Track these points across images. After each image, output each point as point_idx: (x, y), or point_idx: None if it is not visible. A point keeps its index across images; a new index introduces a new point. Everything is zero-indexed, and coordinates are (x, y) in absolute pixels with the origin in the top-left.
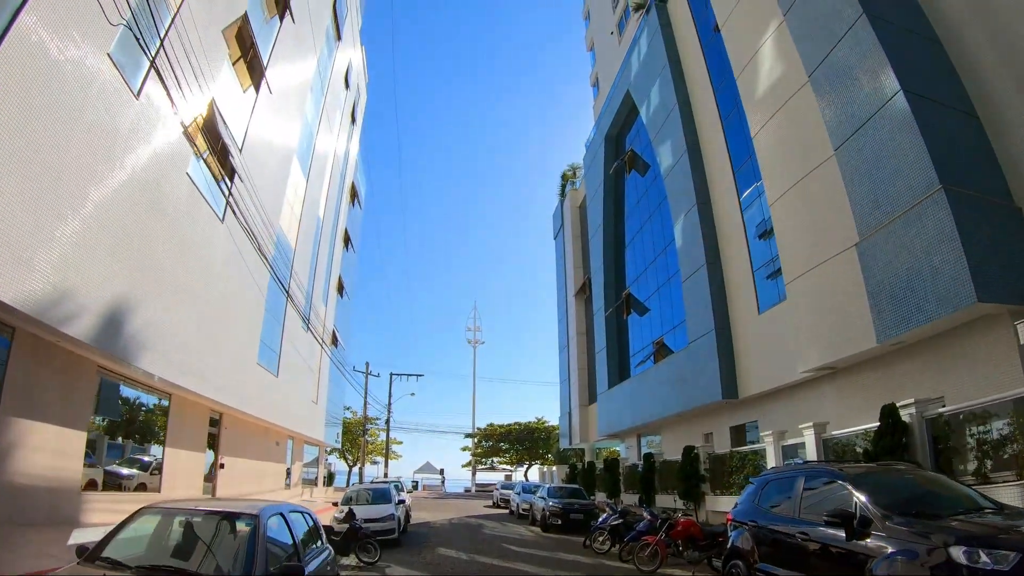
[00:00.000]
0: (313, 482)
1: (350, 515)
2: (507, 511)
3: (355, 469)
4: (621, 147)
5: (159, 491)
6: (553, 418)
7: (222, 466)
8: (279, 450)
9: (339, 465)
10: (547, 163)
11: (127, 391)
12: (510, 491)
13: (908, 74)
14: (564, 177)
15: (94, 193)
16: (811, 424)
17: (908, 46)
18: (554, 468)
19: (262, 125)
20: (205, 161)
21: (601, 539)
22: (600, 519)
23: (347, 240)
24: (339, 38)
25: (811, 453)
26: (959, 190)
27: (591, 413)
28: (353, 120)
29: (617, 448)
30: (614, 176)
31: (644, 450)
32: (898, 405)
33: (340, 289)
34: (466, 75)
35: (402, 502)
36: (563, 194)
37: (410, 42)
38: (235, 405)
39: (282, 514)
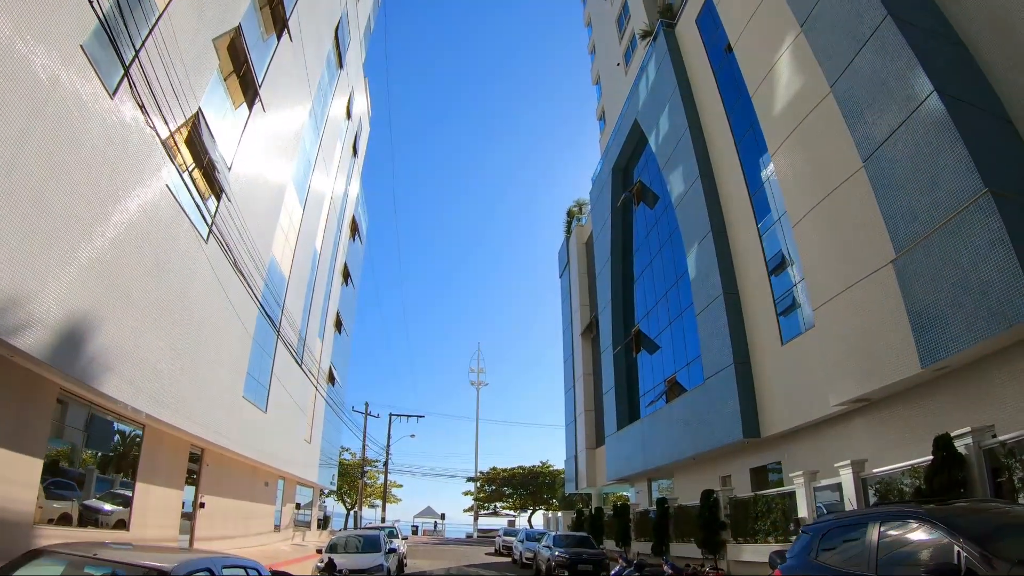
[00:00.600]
0: (307, 525)
1: (330, 566)
2: (509, 559)
3: (353, 512)
4: (629, 179)
5: (127, 528)
6: (558, 462)
7: (202, 505)
8: (268, 491)
9: (338, 508)
10: (553, 200)
11: (98, 419)
12: (512, 538)
13: (939, 76)
14: (570, 213)
15: (54, 188)
16: (848, 462)
17: (935, 48)
18: (559, 514)
19: (255, 145)
20: (190, 176)
21: None
22: (613, 573)
23: (346, 275)
24: (341, 66)
25: (849, 495)
26: (1006, 195)
27: (598, 456)
28: (355, 152)
29: (626, 493)
30: (622, 209)
31: (655, 495)
32: (952, 435)
33: (338, 325)
34: (466, 112)
35: (393, 550)
36: (569, 231)
37: (408, 77)
38: (218, 441)
39: (211, 571)
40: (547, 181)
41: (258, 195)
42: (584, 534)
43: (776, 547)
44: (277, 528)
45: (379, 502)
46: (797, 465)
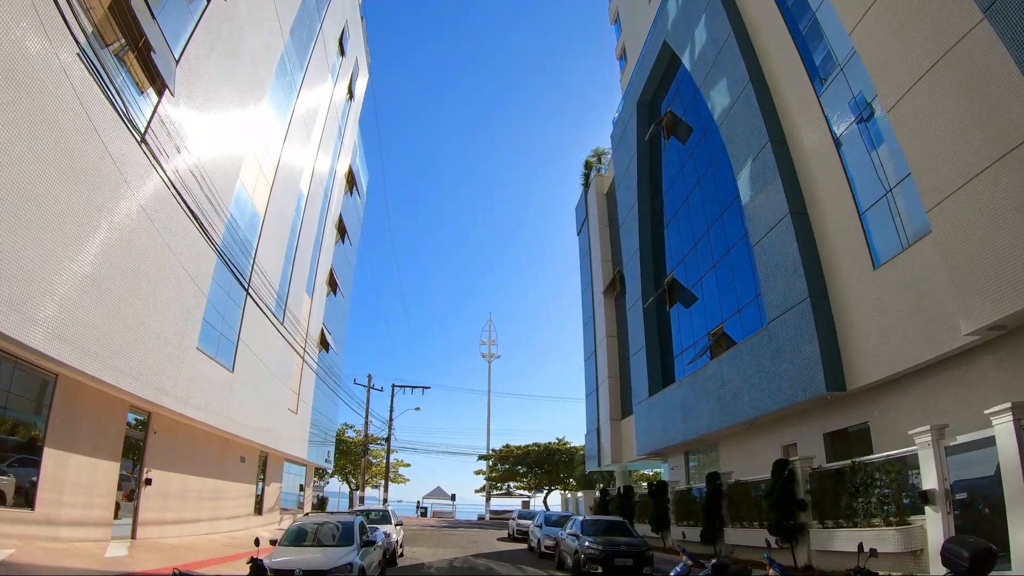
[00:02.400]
0: (299, 508)
1: (257, 569)
2: (525, 546)
3: (350, 493)
4: (656, 113)
5: (32, 508)
6: (576, 439)
7: (148, 482)
8: (245, 468)
9: (344, 489)
10: (568, 161)
11: None
12: (528, 522)
13: None
14: (587, 165)
15: None
16: (1007, 406)
17: None
18: (579, 494)
19: (213, 43)
20: (118, 59)
21: None
22: (676, 572)
23: (343, 231)
24: None
25: (1009, 455)
26: None
27: (625, 429)
28: (351, 96)
29: (653, 471)
30: (649, 146)
31: (692, 470)
32: None
33: (333, 285)
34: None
35: (373, 543)
36: (587, 184)
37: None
38: (162, 401)
39: None
40: (561, 139)
41: (220, 102)
42: (618, 519)
43: (889, 531)
44: (259, 511)
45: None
46: (892, 426)
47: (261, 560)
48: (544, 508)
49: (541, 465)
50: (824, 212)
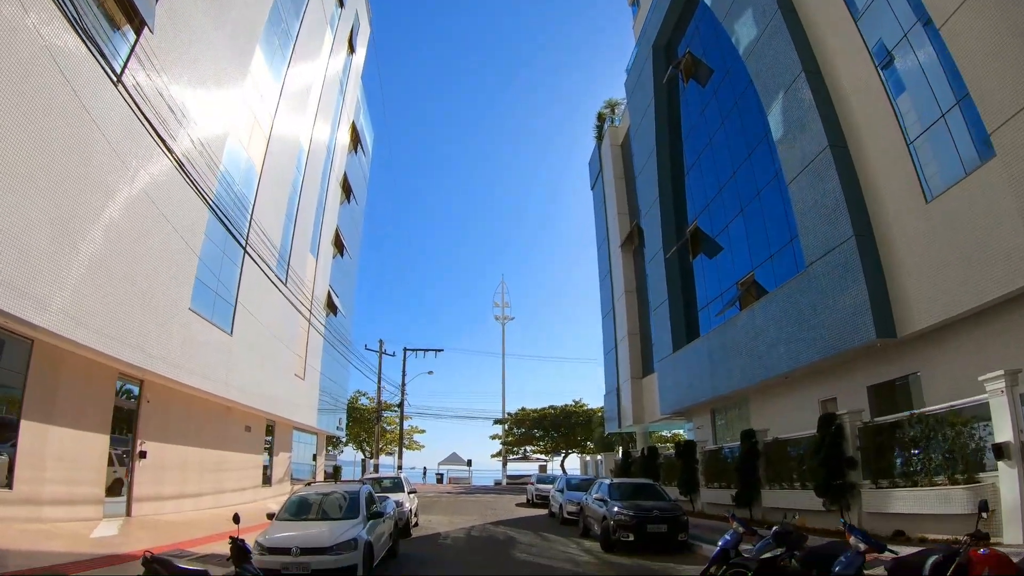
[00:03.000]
0: (312, 478)
1: (238, 552)
2: (545, 512)
3: (363, 461)
4: (673, 57)
5: (10, 487)
6: (593, 400)
7: (143, 455)
8: (251, 438)
9: (359, 458)
10: (579, 114)
11: None
12: (548, 487)
13: None
14: (600, 117)
15: None
16: None
17: None
18: (599, 457)
19: None
20: None
21: None
22: (725, 541)
23: (348, 190)
24: None
25: None
26: None
27: (646, 388)
28: (352, 48)
29: (678, 431)
30: (667, 91)
31: (719, 429)
32: None
33: (339, 246)
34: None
35: (381, 515)
36: (600, 136)
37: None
38: (154, 367)
39: None
40: (574, 91)
41: (208, 46)
42: (647, 481)
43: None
44: (268, 482)
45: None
46: (947, 376)
47: (242, 540)
48: (562, 472)
49: (558, 428)
50: (866, 145)
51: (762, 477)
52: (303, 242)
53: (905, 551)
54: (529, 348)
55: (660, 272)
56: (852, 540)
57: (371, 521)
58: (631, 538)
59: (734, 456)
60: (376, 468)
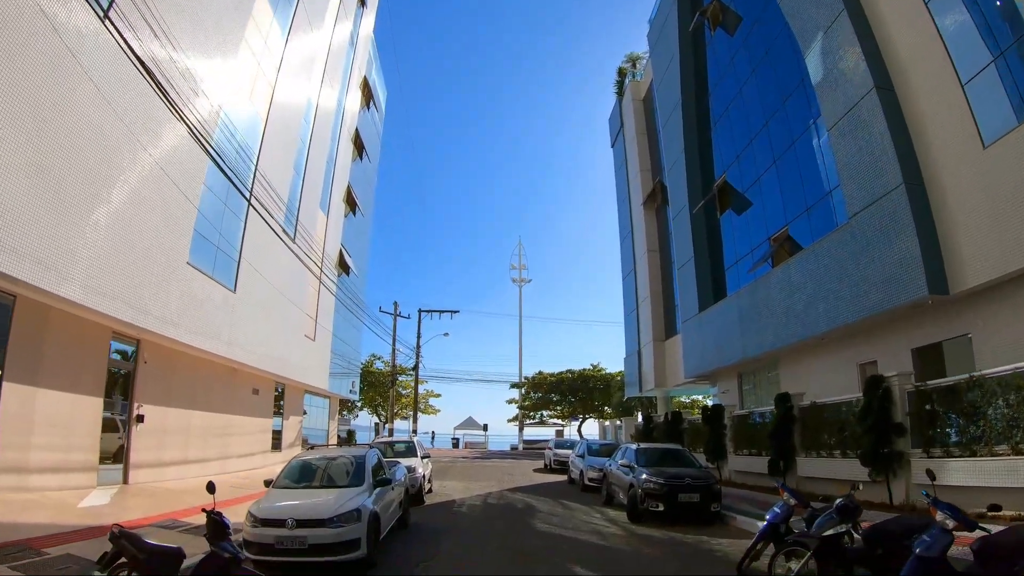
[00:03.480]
0: (327, 444)
1: (214, 527)
2: (564, 478)
3: (376, 424)
4: (698, 5)
5: None
6: (611, 364)
7: (140, 418)
8: (259, 401)
9: (375, 422)
10: (599, 72)
11: None
12: (567, 452)
13: None
14: (620, 72)
15: None
16: None
17: None
18: (618, 422)
19: None
20: None
21: (793, 565)
22: (773, 514)
23: (360, 147)
24: None
25: None
26: None
27: (669, 350)
28: (363, 2)
29: (696, 396)
30: (692, 41)
31: (746, 394)
32: None
33: (351, 204)
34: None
35: (387, 482)
36: (620, 91)
37: None
38: (152, 326)
39: None
40: (594, 47)
41: None
42: (675, 446)
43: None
44: (278, 447)
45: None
46: (1003, 337)
47: (217, 513)
48: (579, 437)
49: (575, 393)
50: (914, 87)
51: (797, 444)
52: (312, 197)
53: (995, 529)
54: (547, 311)
55: (685, 229)
56: (939, 516)
57: (378, 489)
58: (660, 508)
59: (765, 421)
60: (391, 432)
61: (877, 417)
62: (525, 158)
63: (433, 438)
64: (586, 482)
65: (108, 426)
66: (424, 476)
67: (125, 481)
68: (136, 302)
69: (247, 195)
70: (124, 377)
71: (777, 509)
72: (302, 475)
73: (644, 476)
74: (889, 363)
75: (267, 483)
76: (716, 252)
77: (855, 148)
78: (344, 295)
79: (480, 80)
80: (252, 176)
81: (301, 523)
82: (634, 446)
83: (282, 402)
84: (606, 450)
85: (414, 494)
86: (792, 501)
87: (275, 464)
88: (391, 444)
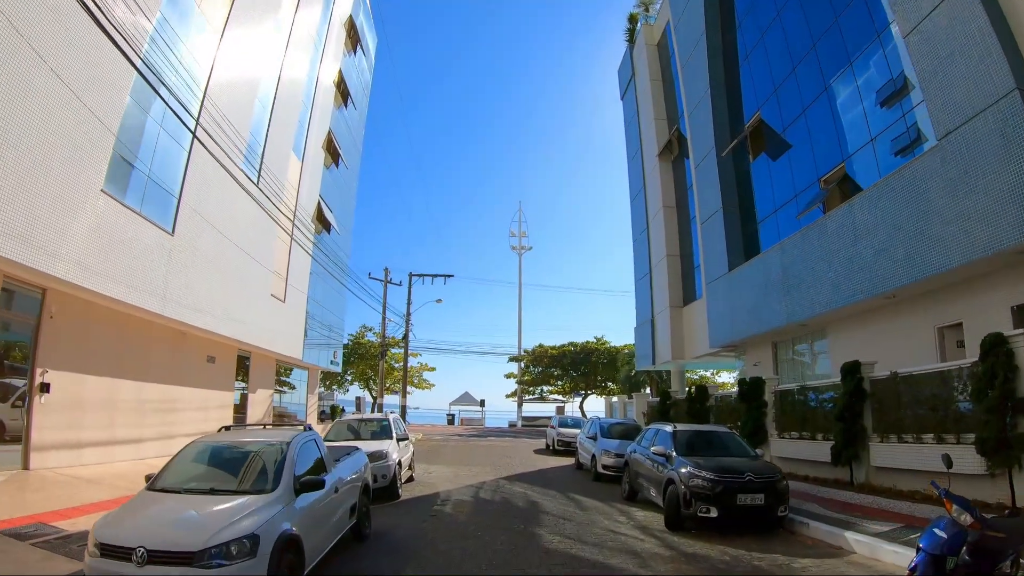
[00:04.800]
0: (298, 421)
1: None
2: (569, 461)
3: (359, 399)
4: None
5: None
6: (616, 337)
7: (45, 388)
8: (216, 371)
9: (368, 398)
10: (601, 29)
11: None
12: (574, 431)
13: None
14: (632, 18)
15: None
16: None
17: None
18: (627, 399)
19: None
20: None
21: None
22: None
23: (344, 93)
24: None
25: None
26: None
27: (688, 318)
28: None
29: (712, 370)
30: None
31: (782, 367)
32: None
33: (333, 153)
34: None
35: (315, 486)
36: (632, 38)
37: None
38: (55, 270)
39: None
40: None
41: None
42: (723, 429)
43: None
44: (240, 425)
45: (410, 388)
46: None
47: None
48: (581, 415)
49: (577, 367)
50: None
51: (869, 426)
52: (283, 138)
53: None
54: (548, 279)
55: (711, 177)
56: (954, 510)
57: (304, 496)
58: (713, 514)
59: (821, 399)
60: (379, 407)
61: (1000, 393)
62: (527, 119)
63: (405, 414)
64: (599, 470)
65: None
66: (400, 464)
67: (25, 466)
68: (23, 232)
69: (189, 120)
70: (21, 335)
71: (940, 531)
72: (195, 471)
73: (688, 470)
74: (979, 325)
75: (148, 479)
76: (747, 203)
77: (945, 52)
78: (324, 255)
79: (479, 40)
80: (201, 101)
81: (156, 556)
82: (668, 428)
83: (247, 373)
84: (620, 430)
85: (383, 487)
86: (965, 518)
87: None
88: (361, 423)
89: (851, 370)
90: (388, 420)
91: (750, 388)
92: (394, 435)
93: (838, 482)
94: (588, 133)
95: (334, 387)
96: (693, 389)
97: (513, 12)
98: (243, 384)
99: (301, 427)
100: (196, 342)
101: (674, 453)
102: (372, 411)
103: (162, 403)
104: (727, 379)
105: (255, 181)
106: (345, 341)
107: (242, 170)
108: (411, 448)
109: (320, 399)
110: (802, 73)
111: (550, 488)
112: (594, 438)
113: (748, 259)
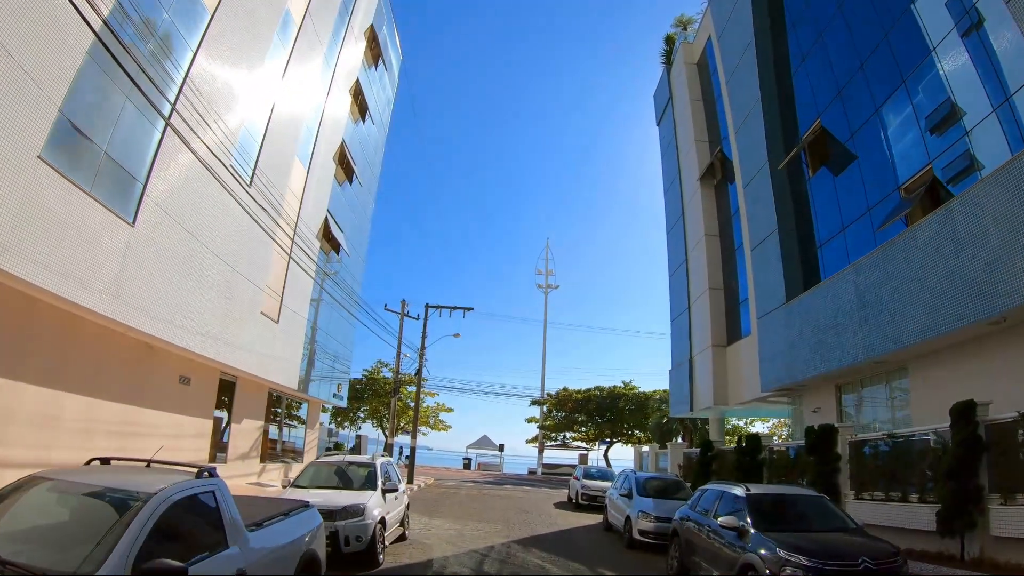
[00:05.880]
0: (292, 456)
1: None
2: (595, 518)
3: (356, 437)
4: None
5: None
6: (645, 383)
7: None
8: (189, 393)
9: (381, 437)
10: (631, 64)
11: None
12: (602, 484)
13: None
14: (669, 40)
15: None
16: None
17: None
18: (659, 449)
19: None
20: None
21: None
22: None
23: (363, 106)
24: None
25: None
26: None
27: (732, 359)
28: None
29: (758, 418)
30: None
31: (846, 414)
32: None
33: (346, 167)
34: None
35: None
36: (669, 60)
37: None
38: None
39: None
40: (622, 38)
41: None
42: (812, 493)
43: None
44: (223, 458)
45: (426, 429)
46: None
47: None
48: (605, 463)
49: (603, 413)
50: None
51: (986, 484)
52: (286, 141)
53: None
54: (572, 318)
55: (765, 195)
56: None
57: None
58: None
59: (914, 450)
60: (388, 448)
61: None
62: (556, 155)
63: (401, 453)
64: (635, 536)
65: None
66: (384, 522)
67: None
68: None
69: (160, 102)
70: None
71: None
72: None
73: (777, 553)
74: None
75: None
76: (805, 225)
77: None
78: (329, 277)
79: (503, 70)
80: (182, 81)
81: None
82: (737, 490)
83: (231, 400)
84: (658, 486)
85: (358, 551)
86: None
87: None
88: (342, 467)
89: (964, 411)
90: (375, 466)
91: (819, 438)
92: (379, 484)
93: (942, 557)
94: (618, 165)
95: (346, 424)
96: (743, 439)
97: (538, 36)
98: (225, 413)
99: (196, 470)
100: (167, 359)
101: (750, 527)
102: (383, 451)
103: (121, 425)
104: (760, 428)
105: (246, 183)
106: (358, 376)
107: (230, 168)
108: (405, 500)
109: (331, 435)
110: (873, 69)
111: (575, 559)
112: (628, 495)
113: (808, 288)
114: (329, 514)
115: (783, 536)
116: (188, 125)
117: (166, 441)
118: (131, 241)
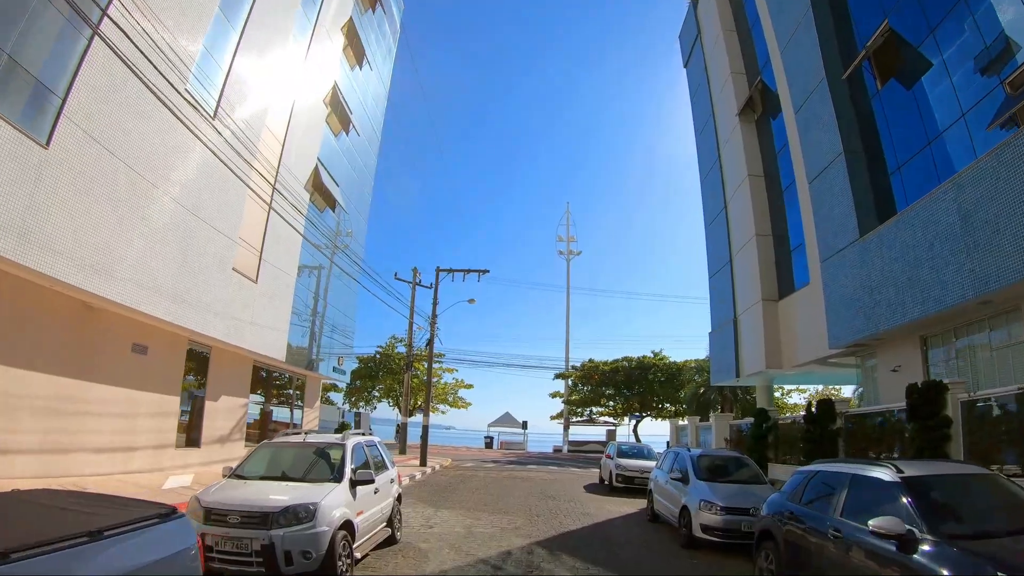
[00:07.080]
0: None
1: None
2: (634, 504)
3: (355, 415)
4: None
5: None
6: (675, 353)
7: None
8: (148, 365)
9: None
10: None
11: None
12: (641, 463)
13: None
14: None
15: None
16: None
17: None
18: (699, 421)
19: None
20: None
21: None
22: None
23: (359, 50)
24: None
25: None
26: None
27: (786, 315)
28: None
29: (804, 386)
30: None
31: (927, 371)
32: None
33: (340, 114)
34: None
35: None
36: None
37: None
38: None
39: None
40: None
41: None
42: (986, 472)
43: None
44: (195, 442)
45: (444, 407)
46: None
47: None
48: (635, 438)
49: (632, 386)
50: None
51: None
52: (262, 71)
53: None
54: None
55: (826, 115)
56: None
57: None
58: None
59: None
60: (403, 427)
61: None
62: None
63: (427, 433)
64: (698, 533)
65: None
66: (354, 526)
67: None
68: None
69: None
70: None
71: None
72: None
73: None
74: None
75: None
76: (873, 147)
77: None
78: (321, 234)
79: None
80: None
81: None
82: (880, 473)
83: (205, 373)
84: (718, 465)
85: (307, 573)
86: None
87: (179, 468)
88: (298, 450)
89: None
90: (344, 447)
91: (921, 397)
92: (347, 474)
93: None
94: (636, 128)
95: (361, 404)
96: (812, 404)
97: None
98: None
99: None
100: (113, 322)
101: (921, 532)
102: (356, 427)
103: (54, 401)
104: (797, 400)
105: (210, 113)
106: (371, 352)
107: (184, 93)
108: (394, 490)
109: (343, 416)
110: None
111: (618, 568)
112: (682, 479)
113: (884, 221)
114: (262, 518)
115: (975, 546)
116: (124, 33)
117: (117, 421)
118: (43, 164)
